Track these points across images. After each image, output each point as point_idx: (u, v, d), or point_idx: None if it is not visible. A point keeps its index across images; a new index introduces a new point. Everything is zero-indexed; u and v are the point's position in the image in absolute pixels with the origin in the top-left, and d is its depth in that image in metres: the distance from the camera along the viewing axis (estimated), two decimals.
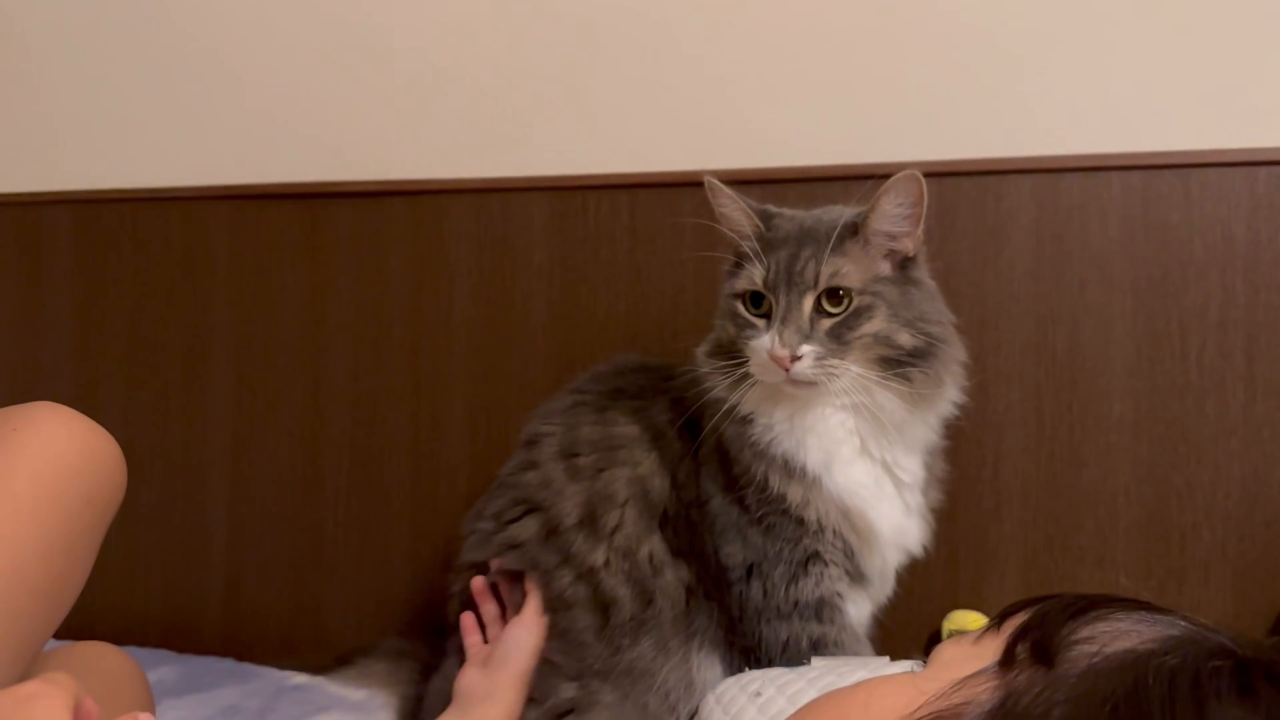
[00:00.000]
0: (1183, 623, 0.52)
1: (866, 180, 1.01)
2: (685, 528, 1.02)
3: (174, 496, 1.49)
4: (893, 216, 0.95)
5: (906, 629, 1.19)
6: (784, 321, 0.92)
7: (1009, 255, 1.24)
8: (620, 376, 1.12)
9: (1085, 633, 0.51)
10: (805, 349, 0.91)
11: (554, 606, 1.02)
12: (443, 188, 1.41)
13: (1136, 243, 1.21)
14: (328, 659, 1.31)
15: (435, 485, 1.41)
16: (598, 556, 1.01)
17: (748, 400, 0.97)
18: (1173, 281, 1.21)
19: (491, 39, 1.40)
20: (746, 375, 0.95)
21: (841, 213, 0.97)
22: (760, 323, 0.95)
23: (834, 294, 0.93)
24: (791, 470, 0.96)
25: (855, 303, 0.93)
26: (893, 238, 0.96)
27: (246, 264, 1.47)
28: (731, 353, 0.98)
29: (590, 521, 1.02)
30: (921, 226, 0.97)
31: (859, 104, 1.28)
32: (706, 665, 1.02)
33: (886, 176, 0.95)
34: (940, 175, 1.22)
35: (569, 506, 1.03)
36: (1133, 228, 1.22)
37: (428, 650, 1.23)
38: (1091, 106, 1.23)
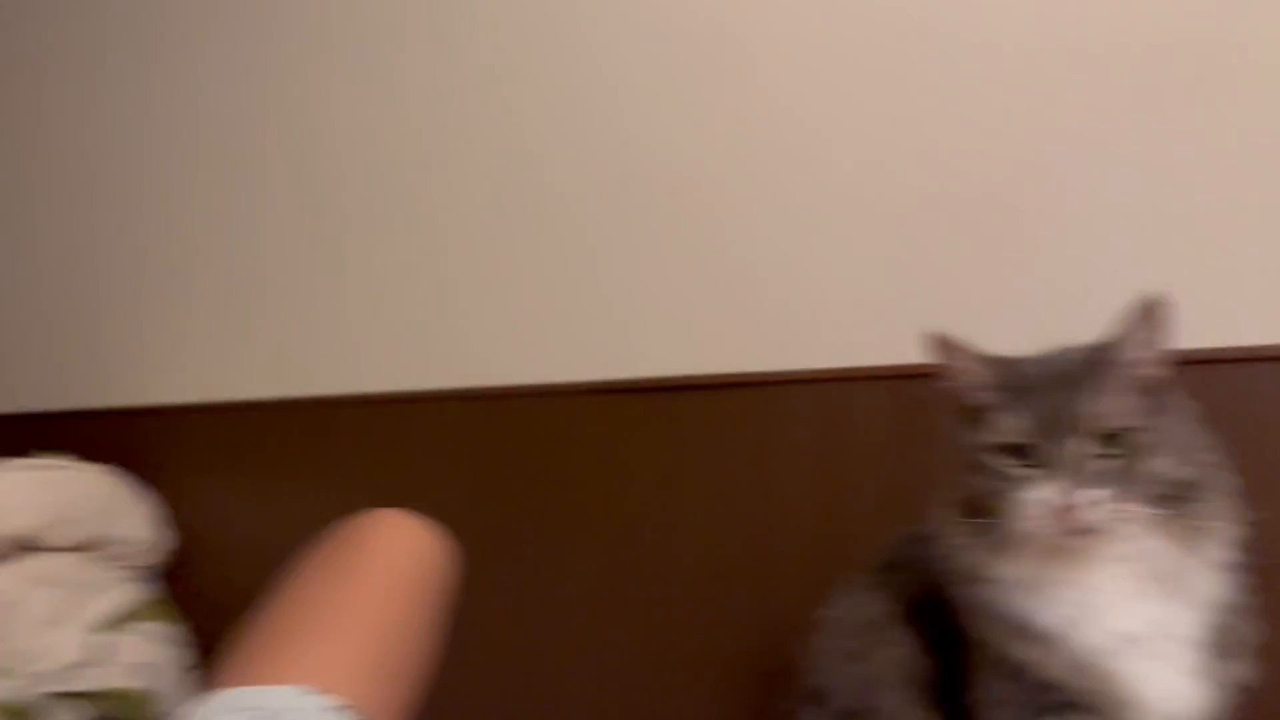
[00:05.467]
0: None
1: None
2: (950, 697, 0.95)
3: (528, 678, 1.64)
4: (1140, 342, 0.87)
5: None
6: (1062, 468, 0.83)
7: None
8: (894, 550, 1.08)
9: None
10: (1091, 494, 0.82)
11: None
12: (783, 379, 1.47)
13: None
14: None
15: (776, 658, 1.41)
16: None
17: (998, 562, 0.88)
18: None
19: (822, 246, 1.47)
20: (1000, 532, 0.87)
21: (1086, 348, 0.89)
22: (1027, 473, 0.86)
23: (1107, 434, 0.84)
24: (1028, 633, 0.86)
25: (1129, 440, 0.84)
26: (1142, 366, 0.87)
27: (606, 451, 1.61)
28: (979, 511, 0.89)
29: (868, 708, 0.99)
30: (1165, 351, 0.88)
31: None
32: None
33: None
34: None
35: (847, 689, 1.01)
36: None
37: None
38: None
